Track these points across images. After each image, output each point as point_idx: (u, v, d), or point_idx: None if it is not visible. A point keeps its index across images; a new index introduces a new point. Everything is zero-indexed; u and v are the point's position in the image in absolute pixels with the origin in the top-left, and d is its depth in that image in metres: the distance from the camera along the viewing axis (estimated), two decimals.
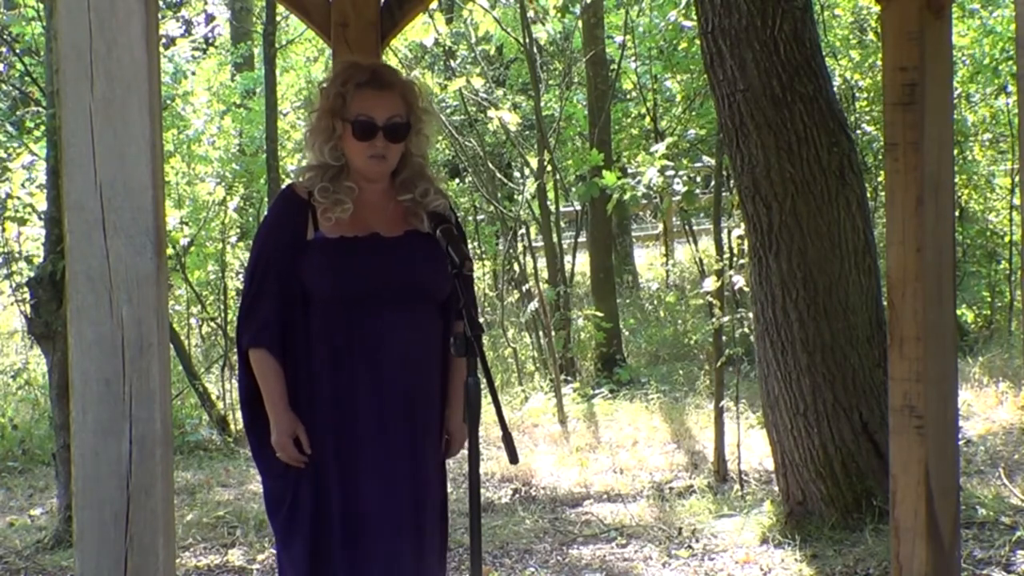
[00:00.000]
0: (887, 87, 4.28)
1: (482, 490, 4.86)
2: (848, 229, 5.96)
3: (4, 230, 10.29)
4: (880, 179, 10.61)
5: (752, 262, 6.17)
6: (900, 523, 4.25)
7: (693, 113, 12.90)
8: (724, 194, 8.82)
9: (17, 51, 10.67)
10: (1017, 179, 11.55)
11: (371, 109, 3.39)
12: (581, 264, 14.19)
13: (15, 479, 8.70)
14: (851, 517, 5.89)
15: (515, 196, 12.78)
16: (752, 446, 7.60)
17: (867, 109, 11.39)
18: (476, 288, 3.61)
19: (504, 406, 4.18)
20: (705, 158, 11.94)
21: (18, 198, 9.94)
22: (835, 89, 7.57)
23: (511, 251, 13.09)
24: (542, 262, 12.35)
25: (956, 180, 6.78)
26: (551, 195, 11.38)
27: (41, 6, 9.20)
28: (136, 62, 2.45)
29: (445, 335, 3.44)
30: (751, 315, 6.56)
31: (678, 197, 8.86)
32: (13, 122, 12.24)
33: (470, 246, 4.15)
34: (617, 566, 5.90)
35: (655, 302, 14.69)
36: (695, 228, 15.70)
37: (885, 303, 5.14)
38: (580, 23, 12.33)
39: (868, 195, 7.35)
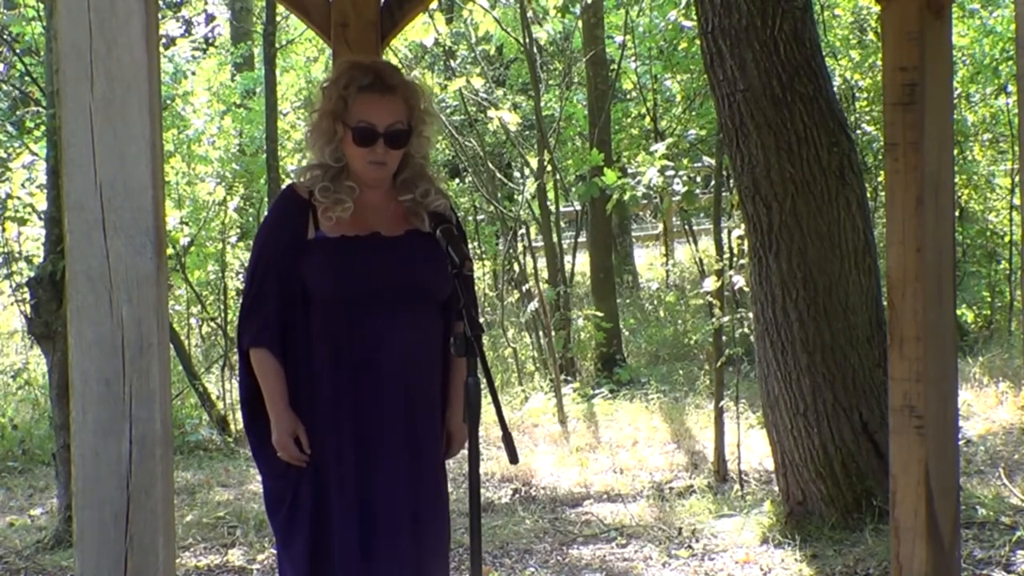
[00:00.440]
0: (887, 87, 4.28)
1: (482, 490, 4.86)
2: (848, 229, 5.96)
3: (4, 230, 10.29)
4: (880, 179, 10.61)
5: (752, 262, 6.17)
6: (900, 523, 4.25)
7: (693, 113, 12.89)
8: (724, 194, 8.82)
9: (17, 51, 10.67)
10: (1017, 179, 11.56)
11: (372, 115, 3.38)
12: (581, 264, 14.19)
13: (15, 479, 8.70)
14: (851, 517, 5.89)
15: (515, 196, 12.78)
16: (752, 446, 7.60)
17: (867, 109, 11.39)
18: (476, 288, 3.60)
19: (504, 406, 4.18)
20: (705, 158, 11.94)
21: (18, 198, 9.94)
22: (835, 89, 7.57)
23: (511, 251, 13.09)
24: (542, 262, 12.35)
25: (956, 180, 6.79)
26: (551, 195, 11.38)
27: (41, 6, 9.20)
28: (136, 62, 2.45)
29: (446, 335, 3.44)
30: (751, 315, 6.56)
31: (678, 197, 8.86)
32: (13, 122, 12.24)
33: (470, 246, 4.15)
34: (617, 566, 5.90)
35: (655, 302, 14.69)
36: (695, 228, 15.70)
37: (885, 303, 5.14)
38: (580, 23, 12.33)
39: (868, 195, 7.35)
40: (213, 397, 9.82)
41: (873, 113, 11.17)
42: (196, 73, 13.45)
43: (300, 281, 3.40)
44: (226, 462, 8.78)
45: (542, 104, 11.44)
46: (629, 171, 10.42)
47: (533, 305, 10.44)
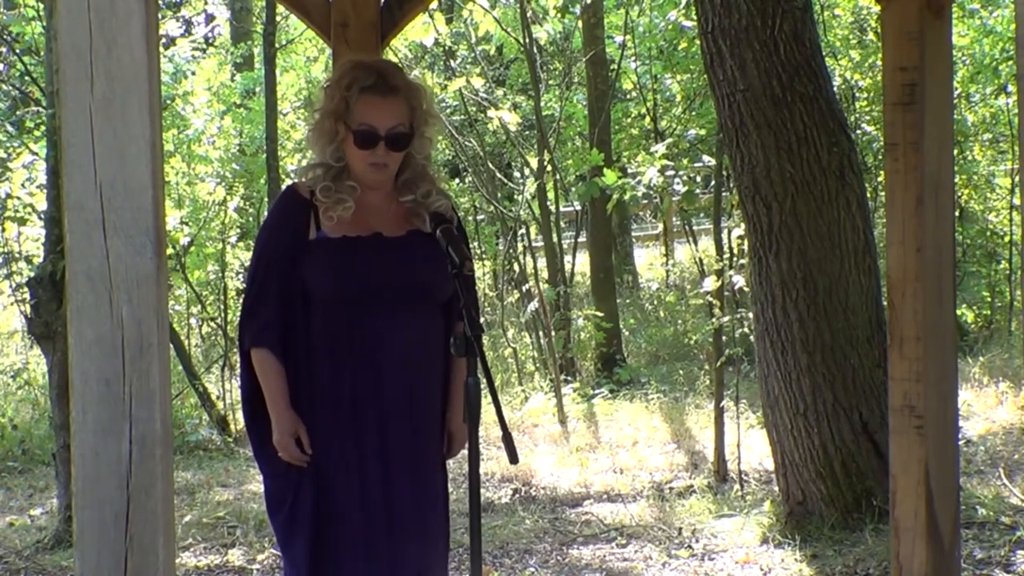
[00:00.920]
0: (887, 87, 4.28)
1: (482, 490, 4.86)
2: (848, 229, 5.96)
3: (4, 230, 10.29)
4: (880, 179, 10.61)
5: (752, 262, 6.17)
6: (900, 523, 4.25)
7: (693, 113, 12.90)
8: (724, 194, 8.81)
9: (17, 51, 10.67)
10: (1017, 179, 11.56)
11: (374, 118, 3.38)
12: (581, 264, 14.19)
13: (15, 479, 8.70)
14: (851, 517, 5.89)
15: (515, 196, 12.78)
16: (752, 446, 7.60)
17: (867, 109, 11.38)
18: (477, 288, 3.58)
19: (504, 406, 4.18)
20: (705, 158, 11.94)
21: (18, 198, 9.94)
22: (835, 89, 7.57)
23: (511, 251, 13.09)
24: (542, 262, 12.35)
25: (956, 180, 6.78)
26: (551, 195, 11.38)
27: (41, 6, 9.20)
28: (136, 62, 2.45)
29: (446, 335, 3.43)
30: (751, 315, 6.56)
31: (678, 197, 8.86)
32: (13, 122, 12.24)
33: (470, 246, 4.14)
34: (617, 566, 5.90)
35: (655, 302, 14.69)
36: (695, 228, 15.70)
37: (885, 303, 5.14)
38: (580, 23, 12.33)
39: (868, 195, 7.35)
40: (213, 397, 9.82)
41: (873, 113, 11.17)
42: (196, 73, 13.44)
43: (301, 281, 3.40)
44: (226, 462, 8.78)
45: (542, 104, 11.44)
46: (629, 171, 10.42)
47: (533, 305, 10.44)
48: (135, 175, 2.46)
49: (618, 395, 10.16)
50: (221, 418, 9.59)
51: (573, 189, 14.10)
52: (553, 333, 10.30)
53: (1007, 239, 11.68)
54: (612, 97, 12.77)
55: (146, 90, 2.46)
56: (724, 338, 7.96)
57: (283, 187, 5.12)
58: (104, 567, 2.45)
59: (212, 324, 11.98)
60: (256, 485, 7.61)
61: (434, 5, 10.40)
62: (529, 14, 11.06)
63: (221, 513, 7.10)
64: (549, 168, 11.02)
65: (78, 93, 2.45)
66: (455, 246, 3.29)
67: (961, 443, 6.54)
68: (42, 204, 8.88)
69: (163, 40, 13.92)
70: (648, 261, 17.98)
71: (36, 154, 9.83)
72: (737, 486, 6.99)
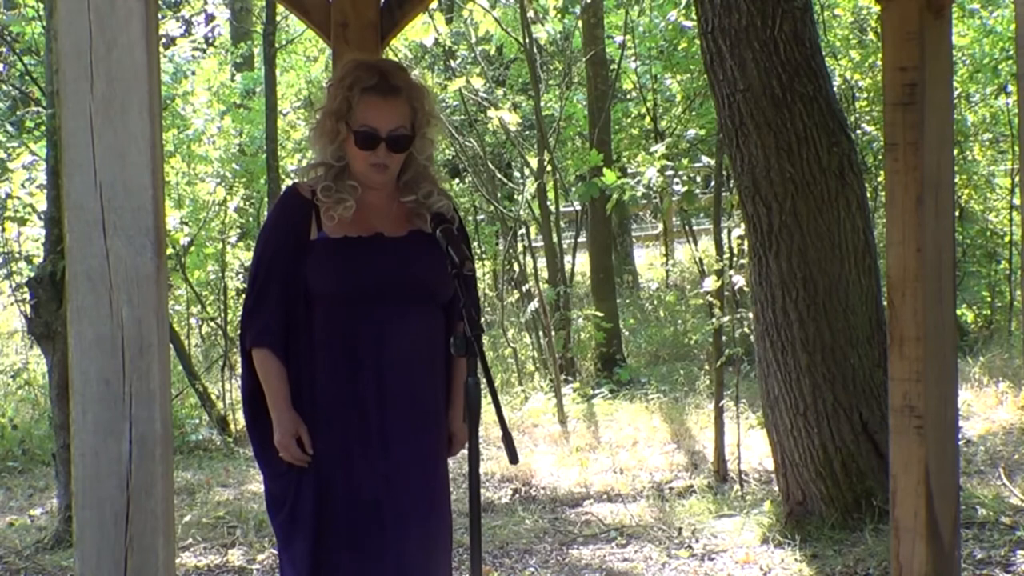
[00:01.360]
0: (887, 87, 4.28)
1: (482, 490, 4.86)
2: (848, 229, 5.96)
3: (4, 230, 10.29)
4: (880, 179, 10.61)
5: (752, 262, 6.17)
6: (900, 523, 4.25)
7: (693, 113, 12.90)
8: (724, 194, 8.81)
9: (17, 51, 10.67)
10: (1017, 179, 11.56)
11: (375, 119, 3.38)
12: (581, 264, 14.19)
13: (15, 479, 8.70)
14: (851, 517, 5.89)
15: (515, 196, 12.78)
16: (752, 446, 7.60)
17: (867, 109, 11.38)
18: (477, 288, 3.58)
19: (504, 406, 4.18)
20: (705, 158, 11.95)
21: (18, 198, 9.94)
22: (835, 89, 7.57)
23: (511, 251, 13.09)
24: (542, 262, 12.35)
25: (956, 180, 6.78)
26: (551, 195, 11.39)
27: (41, 6, 9.20)
28: (136, 62, 2.45)
29: (447, 335, 3.43)
30: (751, 315, 6.56)
31: (678, 197, 8.86)
32: (13, 122, 12.24)
33: (471, 246, 4.12)
34: (617, 566, 5.90)
35: (655, 302, 14.69)
36: (695, 228, 15.71)
37: (885, 303, 5.14)
38: (580, 23, 12.33)
39: (868, 195, 7.34)
40: (213, 397, 9.82)
41: (873, 113, 11.16)
42: (196, 73, 13.44)
43: (302, 281, 3.39)
44: (226, 462, 8.78)
45: (542, 104, 11.44)
46: (629, 171, 10.43)
47: (533, 305, 10.44)
48: (135, 175, 2.46)
49: (618, 395, 10.16)
50: (221, 418, 9.59)
51: (573, 189, 14.10)
52: (553, 333, 10.30)
53: (1007, 239, 11.68)
54: (612, 97, 12.77)
55: (146, 90, 2.46)
56: (724, 338, 7.97)
57: (283, 187, 5.12)
58: (104, 567, 2.45)
59: (212, 324, 11.98)
60: (256, 485, 7.61)
61: (434, 5, 10.40)
62: (529, 14, 11.06)
63: (221, 513, 7.11)
64: (549, 168, 11.02)
65: (78, 93, 2.45)
66: (455, 246, 3.29)
67: (961, 443, 6.55)
68: (42, 204, 8.88)
69: (163, 40, 13.91)
70: (648, 261, 17.99)
71: (36, 154, 9.82)
72: (737, 486, 6.99)
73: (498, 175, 12.87)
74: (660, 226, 17.21)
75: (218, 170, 11.55)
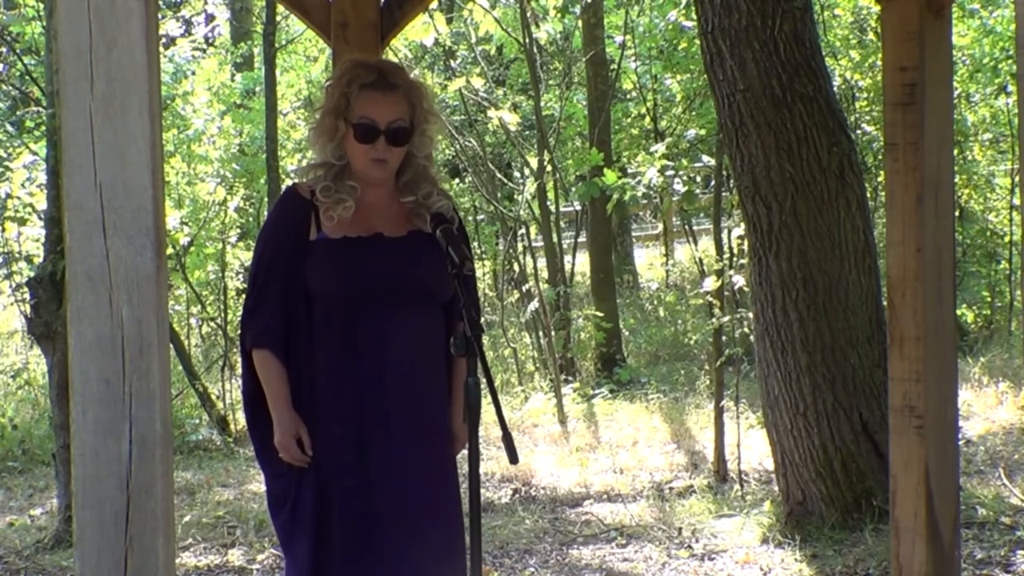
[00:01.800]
0: (887, 87, 4.28)
1: (482, 490, 4.86)
2: (848, 229, 5.96)
3: (4, 230, 10.29)
4: (880, 179, 10.61)
5: (752, 262, 6.17)
6: (900, 523, 4.25)
7: (693, 113, 12.90)
8: (724, 194, 8.81)
9: (17, 51, 10.67)
10: (1017, 179, 11.56)
11: (374, 112, 3.38)
12: (581, 264, 14.19)
13: (15, 479, 8.70)
14: (851, 517, 5.89)
15: (515, 196, 12.78)
16: (752, 446, 7.60)
17: (867, 109, 11.38)
18: (477, 288, 3.57)
19: (504, 406, 4.18)
20: (705, 158, 11.94)
21: (18, 198, 9.94)
22: (835, 89, 7.57)
23: (511, 251, 13.09)
24: (542, 262, 12.35)
25: (956, 180, 6.78)
26: (551, 195, 11.39)
27: (41, 6, 9.20)
28: (136, 62, 2.45)
29: (447, 335, 3.43)
30: (751, 315, 6.56)
31: (678, 197, 8.86)
32: (13, 122, 12.24)
33: (471, 246, 4.10)
34: (617, 566, 5.90)
35: (655, 302, 14.69)
36: (695, 228, 15.71)
37: (885, 303, 5.14)
38: (580, 23, 12.33)
39: (868, 195, 7.35)
40: (213, 397, 9.82)
41: (873, 113, 11.16)
42: (196, 73, 13.44)
43: (302, 282, 3.40)
44: (226, 462, 8.78)
45: (542, 104, 11.44)
46: (629, 171, 10.42)
47: (533, 305, 10.44)
48: (135, 175, 2.46)
49: (618, 395, 10.16)
50: (221, 418, 9.59)
51: (573, 189, 14.10)
52: (553, 333, 10.30)
53: (1007, 239, 11.68)
54: (612, 97, 12.77)
55: (146, 90, 2.45)
56: (724, 338, 7.97)
57: (283, 187, 5.12)
58: (104, 567, 2.45)
59: (212, 324, 11.97)
60: (256, 485, 7.61)
61: (434, 5, 10.40)
62: (529, 14, 11.05)
63: (221, 513, 7.11)
64: (549, 168, 11.02)
65: (78, 93, 2.45)
66: (455, 246, 3.29)
67: (961, 443, 6.54)
68: (42, 204, 8.88)
69: (163, 40, 13.91)
70: (648, 261, 17.99)
71: (36, 154, 9.83)
72: (737, 486, 6.99)
73: (498, 175, 12.88)
74: (660, 226, 17.21)
75: (218, 170, 11.54)
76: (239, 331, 3.54)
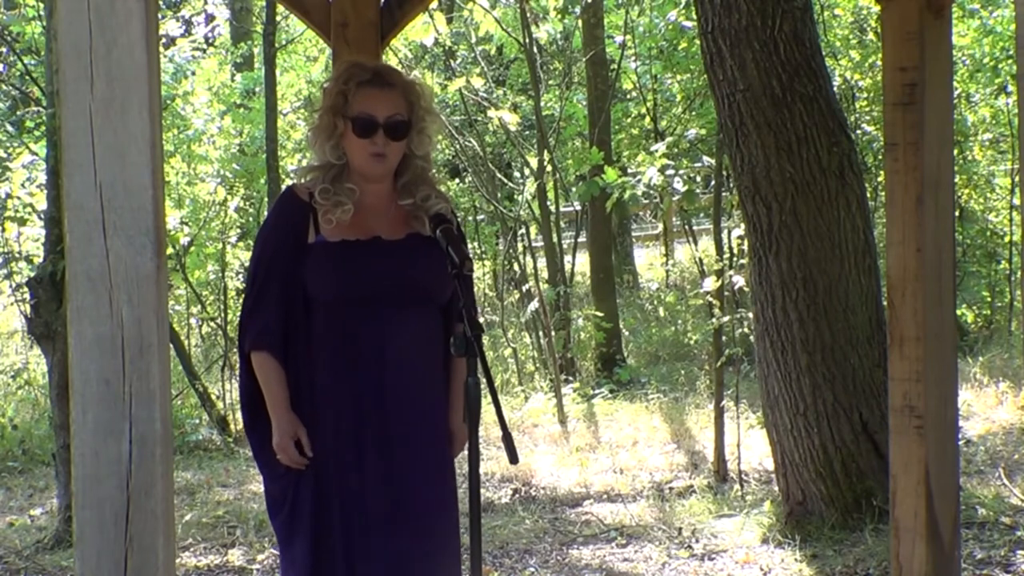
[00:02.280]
0: (887, 87, 4.28)
1: (482, 490, 4.86)
2: (848, 229, 5.96)
3: (4, 230, 10.29)
4: (880, 179, 10.61)
5: (752, 262, 6.17)
6: (900, 523, 4.25)
7: (693, 113, 12.90)
8: (724, 194, 8.82)
9: (17, 51, 10.67)
10: (1017, 179, 11.56)
11: (372, 107, 3.39)
12: (581, 264, 14.19)
13: (15, 479, 8.70)
14: (851, 517, 5.89)
15: (515, 196, 12.78)
16: (752, 446, 7.60)
17: (867, 109, 11.39)
18: (476, 288, 3.60)
19: (504, 406, 4.18)
20: (705, 158, 11.94)
21: (18, 198, 9.94)
22: (835, 89, 7.57)
23: (511, 251, 13.09)
24: (542, 262, 12.35)
25: (956, 180, 6.79)
26: (551, 195, 11.39)
27: (41, 6, 9.20)
28: (136, 62, 2.45)
29: (446, 336, 3.43)
30: (751, 315, 6.56)
31: (678, 197, 8.86)
32: (13, 122, 12.24)
33: (470, 246, 4.12)
34: (617, 566, 5.90)
35: (655, 302, 14.69)
36: (695, 228, 15.71)
37: (885, 303, 5.14)
38: (580, 23, 12.33)
39: (868, 195, 7.35)
40: (213, 397, 9.82)
41: (873, 113, 11.17)
42: (196, 73, 13.44)
43: (301, 284, 3.40)
44: (226, 462, 8.78)
45: (542, 104, 11.45)
46: (629, 171, 10.42)
47: (533, 305, 10.44)
48: (135, 175, 2.46)
49: (618, 395, 10.16)
50: (221, 418, 9.59)
51: (573, 189, 14.11)
52: (553, 333, 10.30)
53: (1007, 239, 11.68)
54: (612, 97, 12.77)
55: (146, 90, 2.45)
56: (724, 338, 7.97)
57: (283, 187, 5.12)
58: (104, 567, 2.45)
59: (212, 324, 11.97)
60: (256, 485, 7.61)
61: (434, 5, 10.39)
62: (529, 14, 11.06)
63: (221, 513, 7.11)
64: (549, 168, 11.02)
65: (78, 93, 2.45)
66: (455, 246, 3.29)
67: (961, 443, 6.54)
68: (42, 204, 8.88)
69: (163, 40, 13.91)
70: (648, 261, 17.99)
71: (36, 154, 9.82)
72: (737, 486, 6.99)
73: (498, 175, 12.88)
74: (660, 226, 17.21)
75: (218, 170, 11.55)
76: (238, 331, 3.54)
